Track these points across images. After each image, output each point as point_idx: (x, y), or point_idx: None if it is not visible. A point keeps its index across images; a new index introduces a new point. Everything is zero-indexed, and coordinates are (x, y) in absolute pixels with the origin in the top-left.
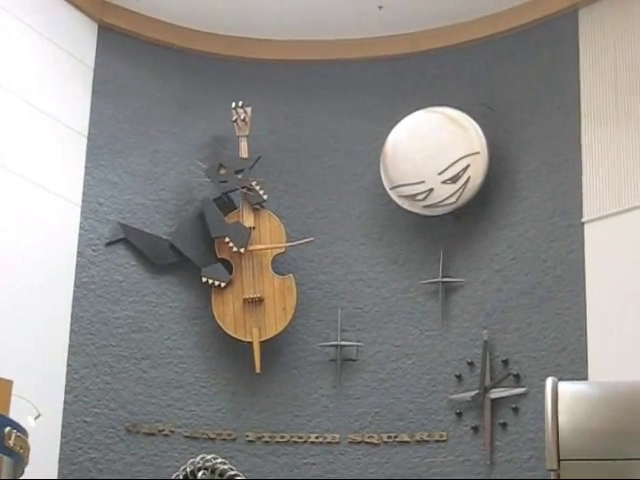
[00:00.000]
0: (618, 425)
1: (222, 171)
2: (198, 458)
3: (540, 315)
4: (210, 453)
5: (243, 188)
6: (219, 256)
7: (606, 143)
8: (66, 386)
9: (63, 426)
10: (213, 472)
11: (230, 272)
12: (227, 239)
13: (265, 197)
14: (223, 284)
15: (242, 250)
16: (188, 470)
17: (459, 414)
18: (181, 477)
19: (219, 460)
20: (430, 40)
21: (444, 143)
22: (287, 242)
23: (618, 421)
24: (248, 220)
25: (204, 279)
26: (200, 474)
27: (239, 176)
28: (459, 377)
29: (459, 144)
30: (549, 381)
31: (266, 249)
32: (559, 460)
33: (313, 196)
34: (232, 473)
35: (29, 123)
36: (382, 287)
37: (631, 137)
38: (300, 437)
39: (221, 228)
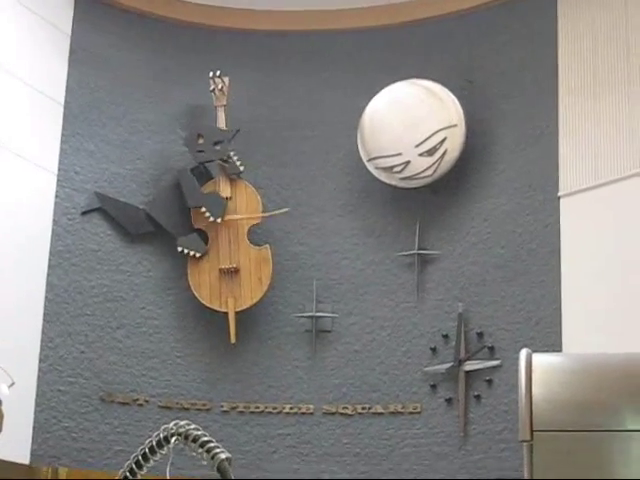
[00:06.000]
0: (591, 397)
1: (201, 141)
2: (171, 424)
3: (515, 288)
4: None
5: (220, 160)
6: (195, 226)
7: (583, 117)
8: (40, 354)
9: (37, 395)
10: (186, 438)
11: (206, 242)
12: (203, 209)
13: (242, 168)
14: (199, 254)
15: (219, 220)
16: (162, 436)
17: (433, 386)
18: (154, 443)
19: (192, 426)
20: (409, 12)
21: (421, 115)
22: (264, 212)
23: (592, 393)
24: (224, 190)
25: (180, 249)
26: (173, 440)
27: (217, 147)
28: (434, 349)
29: (436, 117)
30: (523, 352)
31: (242, 219)
32: (532, 431)
33: (290, 167)
34: (205, 439)
35: (4, 90)
36: (358, 259)
37: (608, 112)
38: (274, 408)
39: (197, 198)
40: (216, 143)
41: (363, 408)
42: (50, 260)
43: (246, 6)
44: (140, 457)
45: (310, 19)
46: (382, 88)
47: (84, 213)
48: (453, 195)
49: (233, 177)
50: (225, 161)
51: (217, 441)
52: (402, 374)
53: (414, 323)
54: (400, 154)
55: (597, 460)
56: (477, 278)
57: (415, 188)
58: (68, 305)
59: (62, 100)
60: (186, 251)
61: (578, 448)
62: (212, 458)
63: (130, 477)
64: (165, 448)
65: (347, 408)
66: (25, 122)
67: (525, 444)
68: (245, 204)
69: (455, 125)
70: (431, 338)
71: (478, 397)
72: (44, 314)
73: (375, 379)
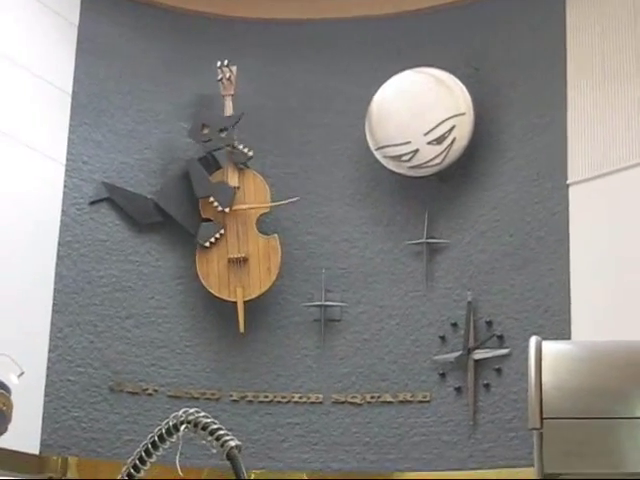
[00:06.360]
0: (601, 384)
1: (205, 130)
2: (181, 412)
3: (524, 276)
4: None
5: (227, 146)
6: (203, 216)
7: (592, 105)
8: (50, 345)
9: (46, 385)
10: (196, 426)
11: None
12: (211, 199)
13: (251, 154)
14: (222, 231)
15: (227, 210)
16: (171, 424)
17: (442, 375)
18: (164, 431)
19: (202, 414)
20: (417, 0)
21: (430, 103)
22: (272, 202)
23: (601, 380)
24: (232, 179)
25: (207, 244)
26: (183, 428)
27: (223, 135)
28: (443, 338)
29: (445, 105)
30: (533, 340)
31: (250, 209)
32: (542, 419)
33: (298, 156)
34: (215, 427)
35: (13, 81)
36: (367, 248)
37: (617, 99)
38: (283, 397)
39: (206, 188)
40: (221, 130)
41: (372, 397)
42: (59, 250)
43: None
44: (149, 445)
45: (317, 7)
46: (390, 76)
47: (92, 203)
48: (462, 183)
49: (241, 166)
50: (234, 147)
51: (226, 430)
52: (411, 363)
53: (423, 312)
54: (408, 142)
55: (607, 447)
56: (486, 266)
57: (424, 177)
58: (77, 295)
59: (70, 90)
60: (213, 240)
61: (588, 435)
62: (222, 446)
63: (140, 465)
64: (174, 436)
65: (356, 397)
66: (33, 112)
67: (535, 432)
68: (253, 193)
69: (463, 113)
70: (440, 327)
71: (487, 386)
72: (53, 304)
73: (384, 368)
